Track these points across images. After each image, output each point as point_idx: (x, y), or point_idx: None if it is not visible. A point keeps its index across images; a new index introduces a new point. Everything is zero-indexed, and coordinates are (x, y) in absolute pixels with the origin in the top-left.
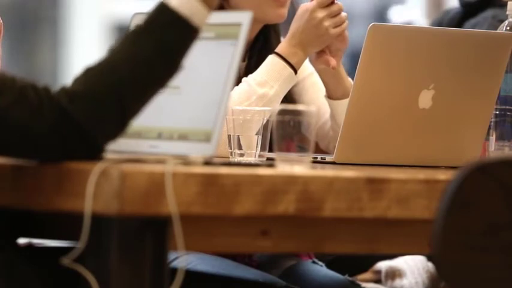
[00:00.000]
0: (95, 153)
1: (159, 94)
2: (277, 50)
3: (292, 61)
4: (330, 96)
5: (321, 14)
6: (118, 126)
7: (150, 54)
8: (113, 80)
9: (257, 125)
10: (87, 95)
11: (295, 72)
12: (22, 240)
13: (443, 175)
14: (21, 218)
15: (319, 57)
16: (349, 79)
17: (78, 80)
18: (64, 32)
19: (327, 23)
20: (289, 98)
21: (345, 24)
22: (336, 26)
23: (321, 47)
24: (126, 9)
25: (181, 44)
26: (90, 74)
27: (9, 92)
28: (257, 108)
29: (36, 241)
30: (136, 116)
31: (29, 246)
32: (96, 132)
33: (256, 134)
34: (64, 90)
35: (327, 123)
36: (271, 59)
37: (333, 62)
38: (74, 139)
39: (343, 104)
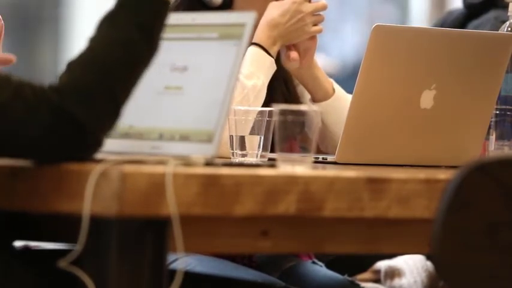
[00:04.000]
0: (93, 146)
1: (144, 74)
2: (256, 40)
3: (271, 51)
4: (312, 99)
5: (307, 8)
6: (111, 113)
7: (128, 34)
8: (97, 68)
9: (257, 124)
10: (75, 87)
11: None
12: (19, 243)
13: (443, 175)
14: (18, 220)
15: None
16: (330, 80)
17: (63, 76)
18: (66, 32)
19: (308, 19)
20: (291, 98)
21: (321, 26)
22: (314, 24)
23: (295, 41)
24: None
25: (156, 19)
26: (73, 67)
27: (4, 90)
28: (259, 108)
29: (33, 244)
30: (127, 100)
31: (26, 249)
32: (92, 122)
33: (258, 135)
34: (52, 88)
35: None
36: (253, 50)
37: (293, 54)
38: (71, 134)
39: (324, 106)
